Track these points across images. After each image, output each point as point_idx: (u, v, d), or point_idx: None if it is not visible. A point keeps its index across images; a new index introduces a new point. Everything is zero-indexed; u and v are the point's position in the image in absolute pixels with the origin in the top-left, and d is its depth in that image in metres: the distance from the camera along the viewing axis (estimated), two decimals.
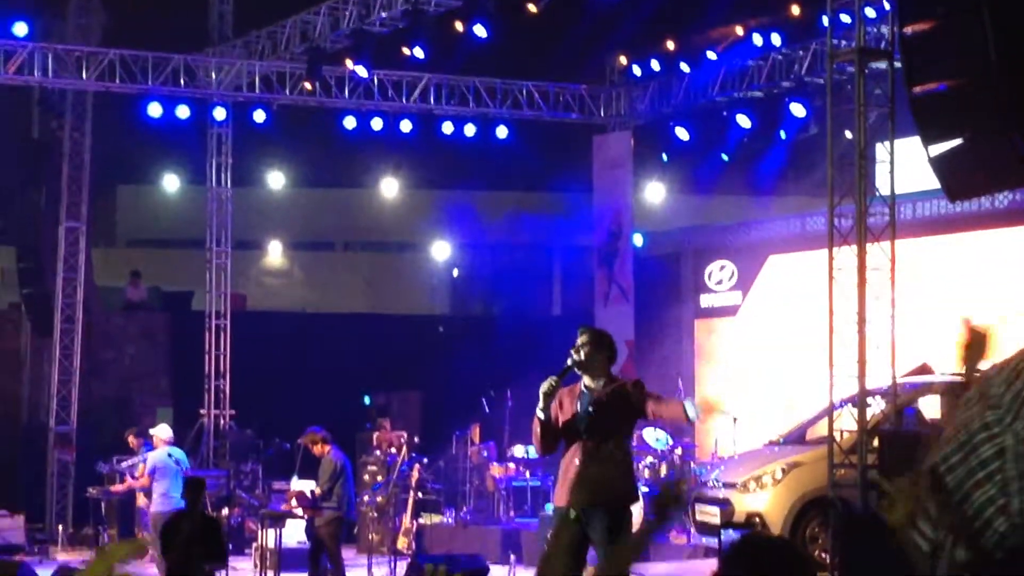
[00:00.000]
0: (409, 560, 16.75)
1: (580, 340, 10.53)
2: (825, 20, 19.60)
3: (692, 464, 20.86)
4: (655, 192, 28.84)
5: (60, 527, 23.03)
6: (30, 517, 22.43)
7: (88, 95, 24.06)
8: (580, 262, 28.23)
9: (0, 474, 24.48)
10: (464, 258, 34.19)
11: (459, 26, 20.39)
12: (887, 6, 18.05)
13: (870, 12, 17.49)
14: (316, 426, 17.11)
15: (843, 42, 17.64)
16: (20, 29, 21.85)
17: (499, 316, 30.93)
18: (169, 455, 19.14)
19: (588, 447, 10.41)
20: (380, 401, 25.73)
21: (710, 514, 17.57)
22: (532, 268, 31.81)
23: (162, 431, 19.57)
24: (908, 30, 7.53)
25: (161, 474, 18.91)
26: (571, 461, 10.51)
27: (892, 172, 16.48)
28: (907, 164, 16.72)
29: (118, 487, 20.71)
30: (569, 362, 10.41)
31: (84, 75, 22.23)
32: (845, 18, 17.65)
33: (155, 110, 22.92)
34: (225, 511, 20.73)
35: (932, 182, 9.72)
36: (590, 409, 10.41)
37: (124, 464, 21.07)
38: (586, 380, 10.55)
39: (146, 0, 25.53)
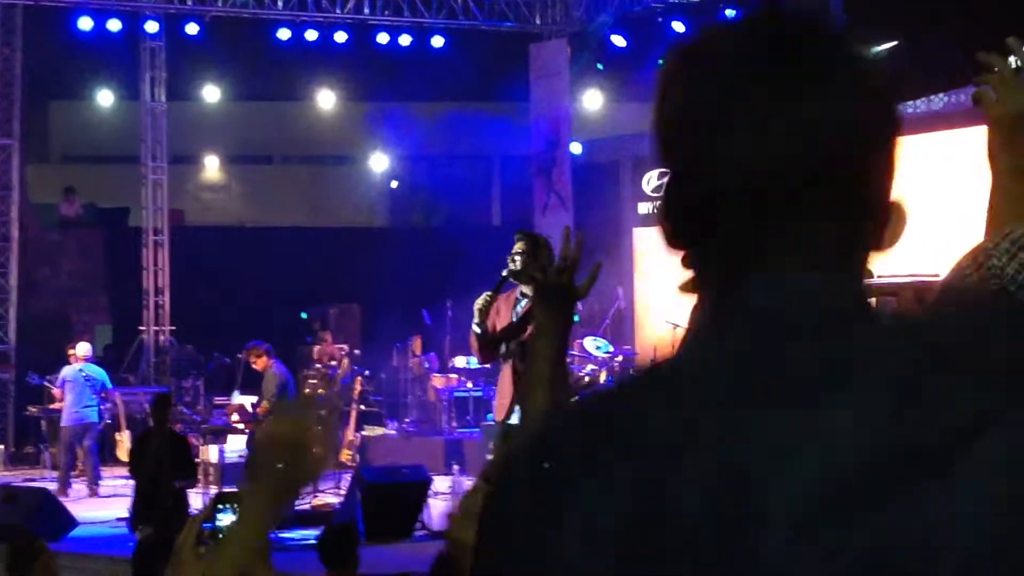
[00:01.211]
0: (353, 472, 16.79)
1: (516, 247, 10.51)
2: None
3: (632, 371, 20.98)
4: (593, 100, 28.75)
5: (1, 446, 22.95)
6: None
7: (17, 9, 23.70)
8: (519, 171, 28.16)
9: None
10: (402, 169, 34.05)
11: None
12: None
13: None
14: (258, 340, 17.10)
15: None
16: None
17: (438, 227, 30.88)
18: (80, 371, 19.46)
19: (521, 356, 10.42)
20: (319, 314, 25.67)
21: None
22: (471, 178, 31.73)
23: (80, 348, 19.96)
24: None
25: (69, 388, 19.41)
26: (506, 375, 10.56)
27: None
28: None
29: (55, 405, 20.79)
30: (504, 272, 10.42)
31: None
32: None
33: (85, 24, 22.65)
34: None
35: None
36: (520, 317, 10.43)
37: (47, 380, 21.13)
38: (523, 288, 10.55)
39: None
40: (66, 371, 19.78)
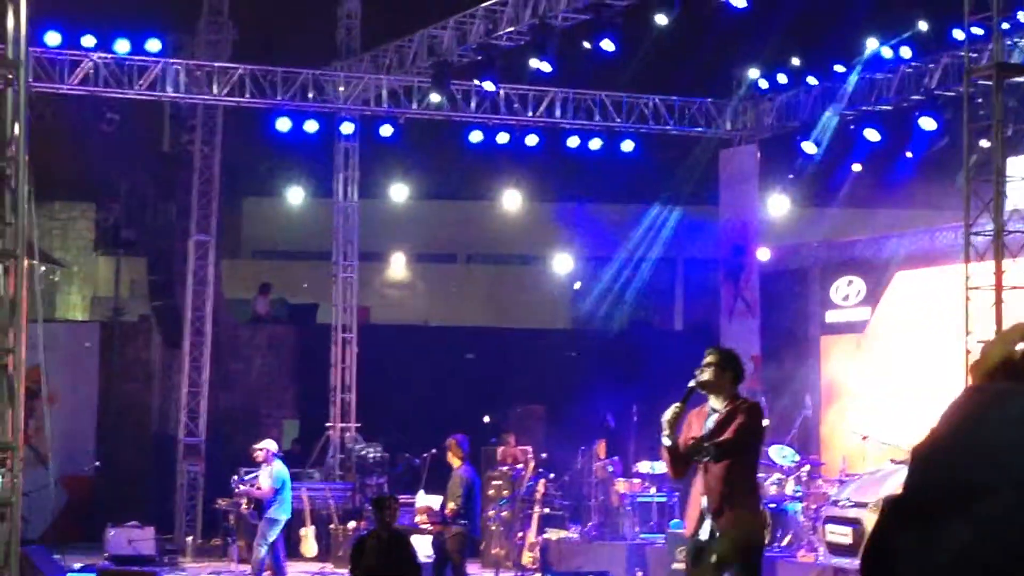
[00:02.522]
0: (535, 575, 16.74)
1: (706, 360, 10.42)
2: (957, 34, 19.42)
3: (820, 482, 20.64)
4: (781, 206, 28.60)
5: (189, 538, 23.25)
6: (159, 528, 22.67)
7: (219, 109, 24.33)
8: (703, 276, 28.07)
9: (131, 485, 24.82)
10: (586, 270, 34.12)
11: (586, 43, 20.30)
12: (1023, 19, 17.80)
13: (1004, 25, 17.20)
14: (462, 436, 17.03)
15: (972, 54, 17.40)
16: (153, 45, 22.15)
17: (621, 330, 30.82)
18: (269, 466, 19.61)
19: (712, 471, 10.30)
20: (503, 415, 25.73)
21: (841, 534, 17.37)
22: (655, 281, 31.68)
23: (273, 444, 19.92)
24: None
25: (273, 483, 19.37)
26: (697, 487, 10.44)
27: None
28: None
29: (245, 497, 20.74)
30: (692, 383, 10.32)
31: (215, 90, 22.47)
32: (976, 30, 17.40)
33: (284, 125, 23.10)
34: (352, 524, 20.88)
35: None
36: (710, 431, 10.32)
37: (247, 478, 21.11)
38: (712, 401, 10.45)
39: (275, 16, 25.78)
40: (279, 469, 19.79)
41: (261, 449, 19.78)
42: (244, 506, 19.90)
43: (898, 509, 1.58)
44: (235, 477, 20.92)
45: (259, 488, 19.58)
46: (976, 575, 1.44)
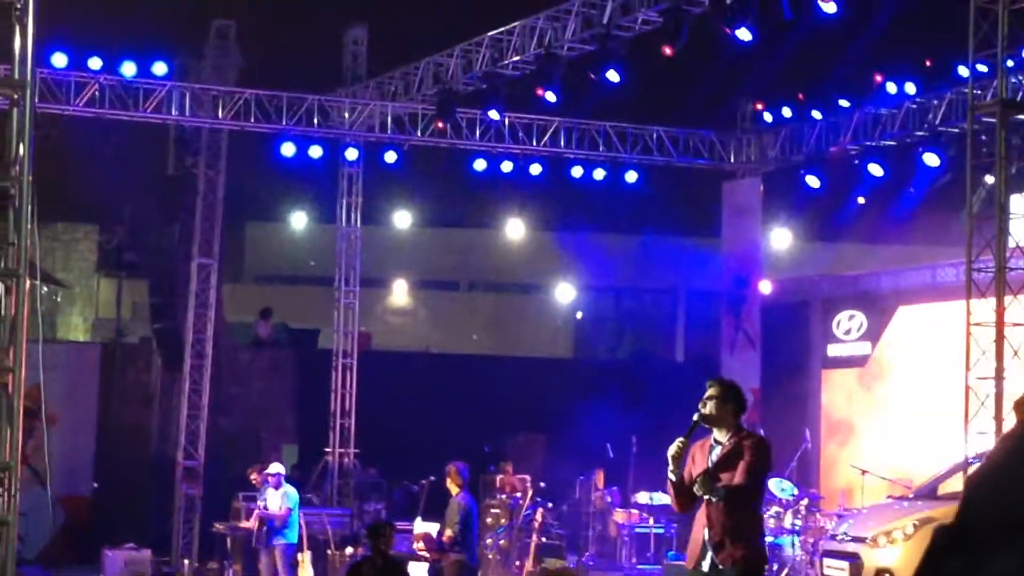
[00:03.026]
0: None
1: (708, 392, 10.37)
2: (962, 70, 19.45)
3: (818, 516, 20.61)
4: (784, 239, 28.63)
5: (186, 561, 23.20)
6: (156, 550, 22.62)
7: (223, 134, 24.36)
8: (705, 308, 28.07)
9: (128, 506, 24.78)
10: (588, 300, 34.12)
11: (591, 74, 20.32)
12: None
13: (1009, 62, 17.22)
14: (462, 463, 17.00)
15: (977, 90, 17.42)
16: (159, 69, 22.20)
17: (623, 360, 30.80)
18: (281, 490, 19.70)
19: (714, 504, 10.24)
20: (502, 443, 25.67)
21: (838, 568, 17.33)
22: (656, 311, 31.71)
23: (282, 468, 20.07)
24: None
25: (287, 506, 19.49)
26: (700, 519, 10.37)
27: None
28: None
29: (246, 523, 20.74)
30: (696, 417, 10.26)
31: (220, 114, 22.53)
32: (981, 67, 17.42)
33: (288, 150, 23.13)
34: (349, 550, 20.83)
35: None
36: (714, 465, 10.26)
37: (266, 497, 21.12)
38: (715, 434, 10.40)
39: (281, 41, 25.83)
40: (291, 492, 19.87)
41: (273, 474, 19.83)
42: (256, 528, 19.91)
43: (948, 537, 1.59)
44: (253, 499, 20.93)
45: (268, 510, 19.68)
46: None
